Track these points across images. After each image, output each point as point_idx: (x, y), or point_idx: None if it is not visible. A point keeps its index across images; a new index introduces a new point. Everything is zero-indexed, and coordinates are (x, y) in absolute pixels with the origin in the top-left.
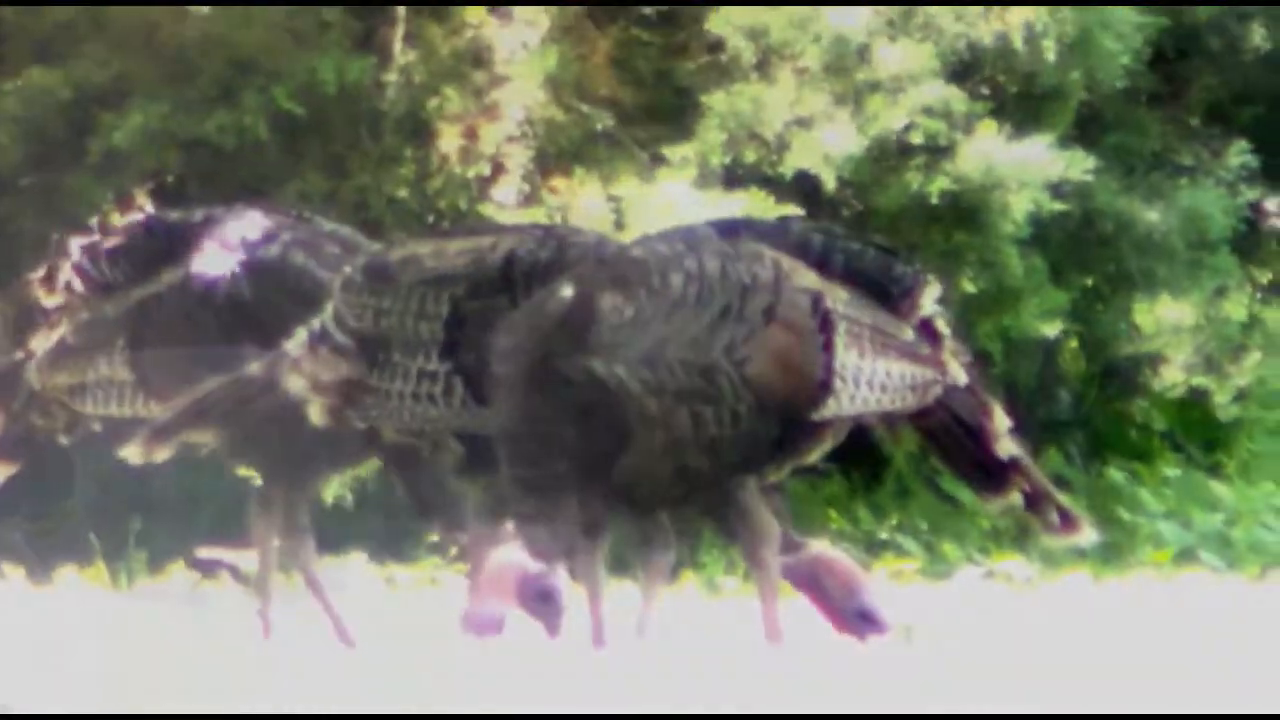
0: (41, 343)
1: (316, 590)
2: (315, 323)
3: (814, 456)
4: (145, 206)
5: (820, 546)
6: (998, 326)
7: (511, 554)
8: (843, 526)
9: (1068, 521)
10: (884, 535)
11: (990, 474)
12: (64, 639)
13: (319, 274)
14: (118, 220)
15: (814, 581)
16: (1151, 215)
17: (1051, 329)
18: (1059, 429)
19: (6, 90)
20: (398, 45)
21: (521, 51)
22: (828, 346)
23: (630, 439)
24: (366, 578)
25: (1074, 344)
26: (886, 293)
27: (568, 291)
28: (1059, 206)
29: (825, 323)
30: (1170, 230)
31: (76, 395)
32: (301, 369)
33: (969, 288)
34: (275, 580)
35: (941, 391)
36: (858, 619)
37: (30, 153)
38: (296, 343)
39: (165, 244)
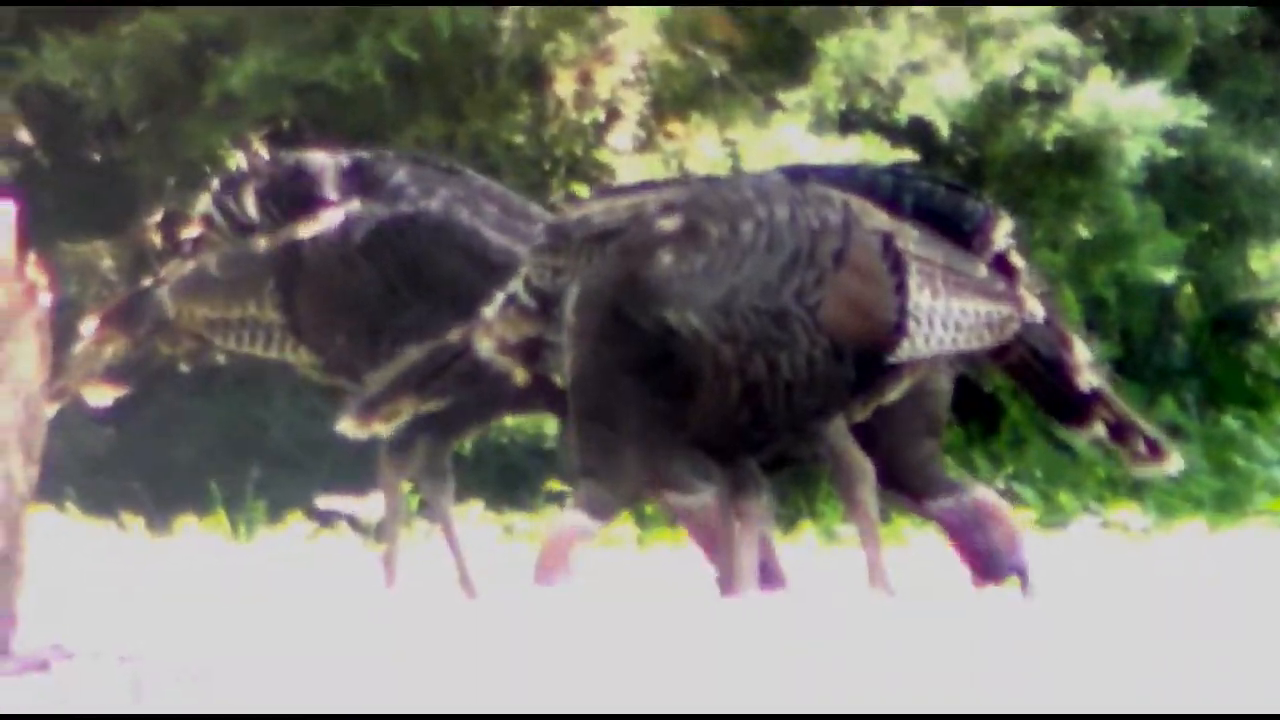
0: (176, 271)
1: (450, 536)
2: (510, 286)
3: (896, 395)
4: (261, 151)
5: (983, 490)
6: (1112, 272)
7: (572, 515)
8: (959, 475)
9: (1154, 450)
10: (1000, 485)
11: (1073, 406)
12: (184, 589)
13: (486, 234)
14: (261, 161)
15: (975, 527)
16: (1265, 161)
17: (1166, 275)
18: (1174, 376)
19: (122, 34)
20: None
21: None
22: (900, 288)
23: (704, 388)
24: (483, 526)
25: (1189, 290)
26: (959, 230)
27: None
28: (1173, 152)
29: (897, 264)
30: None
31: (218, 330)
32: (491, 331)
33: (1083, 233)
34: (402, 527)
35: (1020, 327)
36: (1014, 573)
37: (146, 97)
38: (492, 307)
39: (312, 187)
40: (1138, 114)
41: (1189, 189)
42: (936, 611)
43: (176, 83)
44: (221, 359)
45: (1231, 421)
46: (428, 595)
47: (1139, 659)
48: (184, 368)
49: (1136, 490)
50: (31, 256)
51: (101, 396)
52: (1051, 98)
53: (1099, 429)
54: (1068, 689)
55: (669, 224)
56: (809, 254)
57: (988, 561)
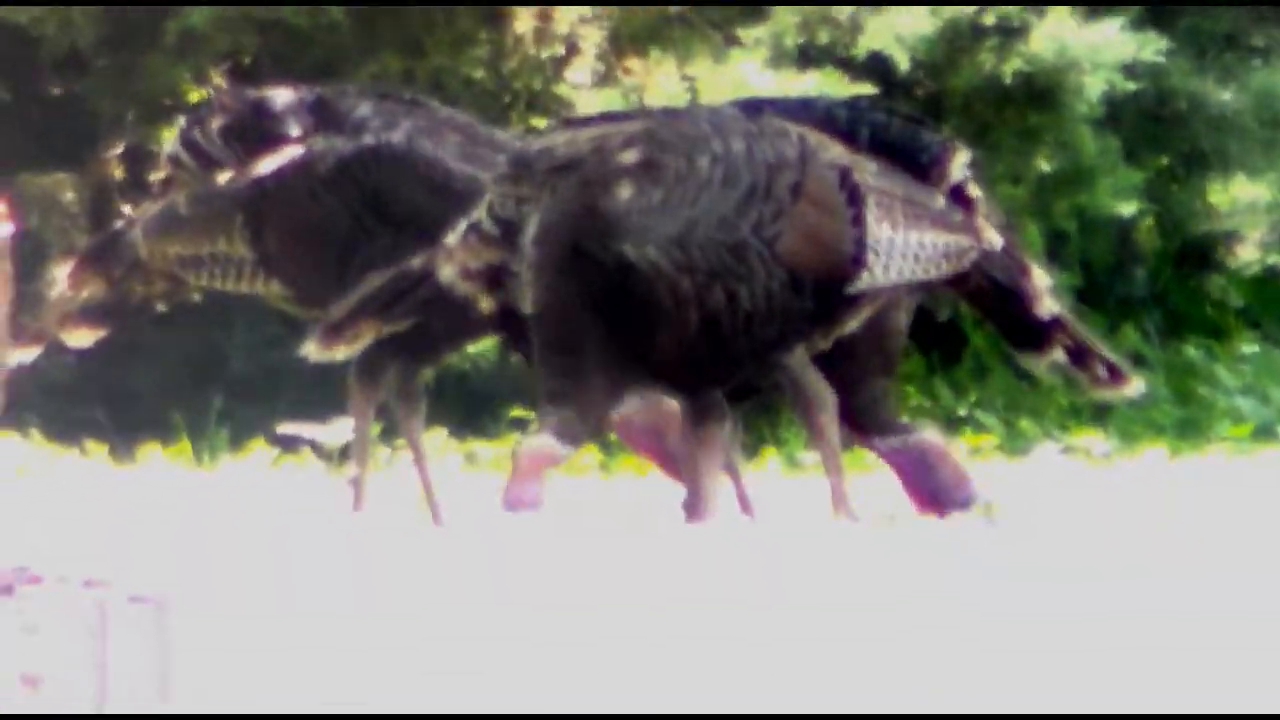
0: (147, 212)
1: (420, 460)
2: (472, 214)
3: (854, 325)
4: (222, 86)
5: (930, 433)
6: (1073, 206)
7: (542, 438)
8: (921, 403)
9: (1115, 374)
10: (962, 412)
11: (1033, 332)
12: (149, 515)
13: (449, 164)
14: (226, 97)
15: (921, 468)
16: (1224, 95)
17: (1127, 208)
18: (1135, 307)
19: None
20: None
21: None
22: (858, 220)
23: (664, 320)
24: (446, 454)
25: (1149, 223)
26: (916, 162)
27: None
28: (1132, 87)
29: (854, 196)
30: (1243, 110)
31: (190, 266)
32: (454, 258)
33: (1044, 167)
34: (371, 450)
35: (978, 256)
36: (961, 508)
37: (106, 33)
38: (454, 234)
39: (276, 123)
40: (1097, 49)
41: (1149, 123)
42: (900, 538)
43: (136, 20)
44: (195, 295)
45: (1193, 350)
46: (394, 520)
47: (1101, 584)
48: (161, 308)
49: (1099, 417)
50: None
51: (80, 339)
52: (1011, 32)
53: (1059, 355)
54: (1031, 617)
55: (626, 158)
56: (766, 187)
57: (933, 499)
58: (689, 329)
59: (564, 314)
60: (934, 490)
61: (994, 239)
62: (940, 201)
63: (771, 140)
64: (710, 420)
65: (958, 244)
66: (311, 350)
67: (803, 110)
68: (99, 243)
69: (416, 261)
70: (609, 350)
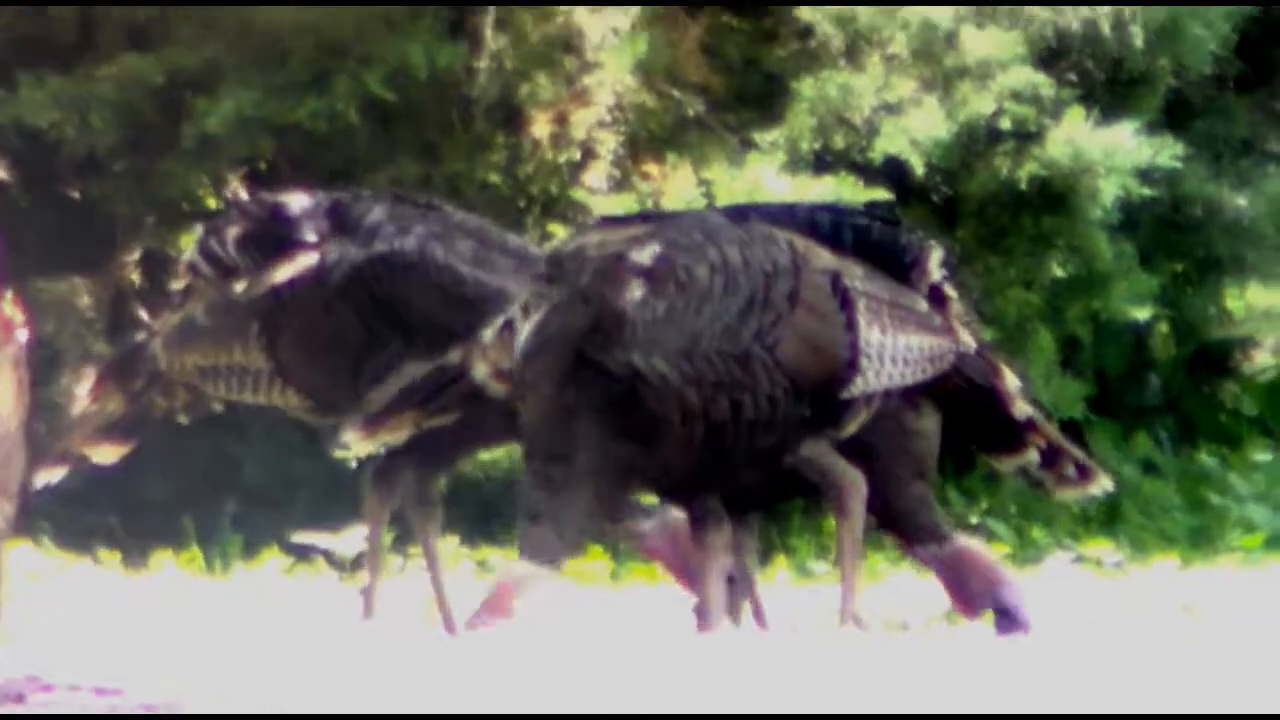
0: (167, 323)
1: (434, 567)
2: (507, 311)
3: (849, 430)
4: (239, 192)
5: (965, 539)
6: (1087, 311)
7: (522, 565)
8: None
9: (1084, 473)
10: (974, 520)
11: (1007, 434)
12: (160, 623)
13: (460, 269)
14: (243, 204)
15: (956, 573)
16: (1239, 201)
17: (1141, 314)
18: (1148, 413)
19: (100, 76)
20: (488, 32)
21: (612, 37)
22: (851, 325)
23: (668, 430)
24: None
25: (1164, 329)
26: (898, 263)
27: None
28: (1147, 192)
29: (845, 301)
30: (1258, 216)
31: (208, 378)
32: (487, 355)
33: (1058, 272)
34: (384, 559)
35: (954, 358)
36: (996, 614)
37: (124, 137)
38: (490, 331)
39: (292, 229)
40: (1112, 153)
41: (1164, 228)
42: (911, 647)
43: (154, 123)
44: (217, 406)
45: (1206, 458)
46: (406, 629)
47: (1113, 693)
48: (183, 420)
49: (1110, 526)
50: (9, 294)
51: (105, 456)
52: (1026, 137)
53: (1031, 455)
54: None
55: (631, 268)
56: (764, 296)
57: (970, 604)
58: (693, 439)
59: (562, 424)
60: (970, 596)
61: (969, 340)
62: (923, 304)
63: (764, 246)
64: (710, 528)
65: (940, 346)
66: (351, 439)
67: (786, 215)
68: (119, 356)
69: (454, 356)
70: (604, 462)
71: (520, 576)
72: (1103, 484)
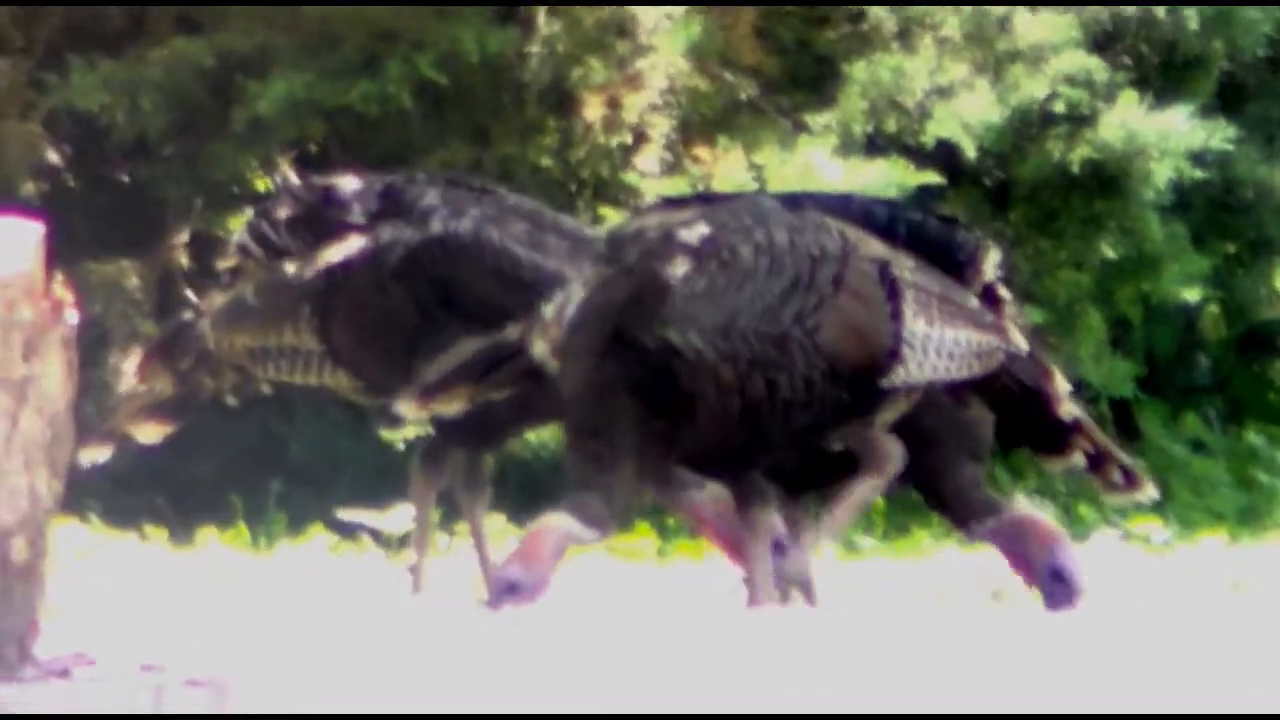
0: (214, 303)
1: (481, 545)
2: (569, 289)
3: (888, 419)
4: (290, 174)
5: (1020, 507)
6: (1138, 292)
7: (561, 517)
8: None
9: (1130, 479)
10: (1022, 498)
11: (1053, 436)
12: (206, 600)
13: (515, 251)
14: (294, 187)
15: (1015, 541)
16: None
17: (1192, 295)
18: (1198, 394)
19: (151, 59)
20: (541, 16)
21: (665, 21)
22: (896, 315)
23: (704, 407)
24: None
25: (1214, 309)
26: (952, 260)
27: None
28: (1199, 174)
29: (893, 291)
30: None
31: (257, 359)
32: (547, 333)
33: (1109, 254)
34: (431, 536)
35: (1004, 358)
36: (1050, 577)
37: (174, 121)
38: (550, 308)
39: (343, 211)
40: (1165, 136)
41: (1215, 210)
42: (952, 623)
43: (204, 107)
44: (265, 387)
45: (1254, 437)
46: (452, 606)
47: (1160, 670)
48: (230, 400)
49: (1158, 504)
50: (59, 276)
51: (151, 435)
52: (1079, 120)
53: (1077, 459)
54: (1086, 699)
55: (675, 246)
56: (809, 279)
57: (1029, 570)
58: (729, 416)
59: (601, 398)
60: (1032, 562)
61: (1020, 341)
62: (974, 301)
63: (814, 232)
64: (755, 505)
65: (988, 344)
66: (406, 409)
67: (841, 206)
68: (166, 335)
69: (511, 331)
70: (644, 436)
71: (556, 528)
72: (1149, 491)
